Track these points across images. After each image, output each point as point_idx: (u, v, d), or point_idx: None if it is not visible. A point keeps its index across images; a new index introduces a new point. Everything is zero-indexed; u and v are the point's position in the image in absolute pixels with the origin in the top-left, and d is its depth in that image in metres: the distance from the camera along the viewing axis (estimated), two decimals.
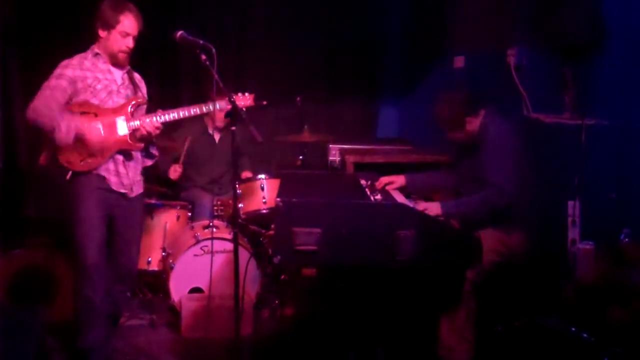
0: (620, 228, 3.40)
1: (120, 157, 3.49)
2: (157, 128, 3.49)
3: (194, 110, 3.57)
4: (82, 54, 3.48)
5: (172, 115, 3.52)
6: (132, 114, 3.49)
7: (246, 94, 3.75)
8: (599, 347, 2.86)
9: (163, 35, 3.55)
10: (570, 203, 3.74)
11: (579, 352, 2.93)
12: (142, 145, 3.55)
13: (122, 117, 3.45)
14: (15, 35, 5.00)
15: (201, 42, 3.09)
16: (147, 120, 3.48)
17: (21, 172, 5.09)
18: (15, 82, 5.01)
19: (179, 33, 3.16)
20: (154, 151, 3.71)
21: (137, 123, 3.47)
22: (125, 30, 3.40)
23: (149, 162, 3.73)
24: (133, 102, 3.50)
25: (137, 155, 3.59)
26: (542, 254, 3.67)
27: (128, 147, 3.49)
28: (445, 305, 3.38)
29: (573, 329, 3.00)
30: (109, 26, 3.40)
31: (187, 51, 3.22)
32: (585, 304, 3.18)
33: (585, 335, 2.93)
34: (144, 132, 3.48)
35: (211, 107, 3.57)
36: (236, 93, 3.56)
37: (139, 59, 3.68)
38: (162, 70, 5.55)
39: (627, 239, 3.39)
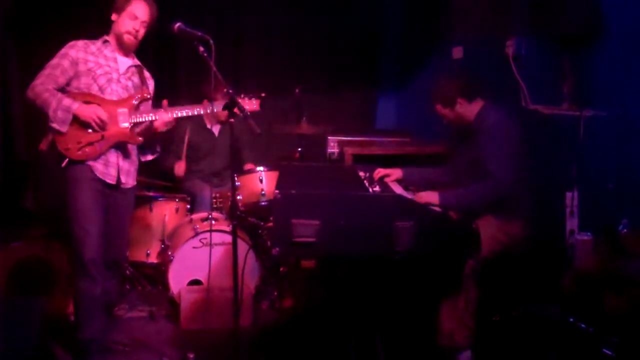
0: (619, 219, 3.41)
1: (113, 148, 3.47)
2: (167, 123, 3.47)
3: (199, 110, 3.54)
4: (91, 40, 3.50)
5: (184, 111, 3.50)
6: (136, 107, 3.48)
7: (252, 100, 3.64)
8: (596, 336, 2.87)
9: (160, 26, 3.54)
10: (569, 194, 3.74)
11: (576, 341, 2.94)
12: (141, 140, 3.53)
13: (125, 109, 3.44)
14: (14, 27, 4.98)
15: (199, 33, 3.08)
16: (164, 114, 3.45)
17: (20, 165, 5.08)
18: (13, 76, 4.99)
19: (177, 24, 3.14)
20: (157, 147, 3.70)
21: (141, 119, 3.45)
22: (134, 12, 3.44)
23: (151, 157, 3.72)
24: (138, 96, 3.49)
25: (131, 146, 3.57)
26: (540, 245, 3.68)
27: (127, 139, 3.48)
28: (444, 295, 3.39)
29: (571, 318, 3.01)
30: (121, 9, 3.46)
31: (185, 43, 3.20)
32: (584, 294, 3.19)
33: (583, 325, 2.95)
34: (156, 126, 3.45)
35: (216, 108, 3.49)
36: (242, 97, 3.52)
37: (137, 50, 3.67)
38: (159, 62, 5.51)
39: (625, 230, 3.40)
